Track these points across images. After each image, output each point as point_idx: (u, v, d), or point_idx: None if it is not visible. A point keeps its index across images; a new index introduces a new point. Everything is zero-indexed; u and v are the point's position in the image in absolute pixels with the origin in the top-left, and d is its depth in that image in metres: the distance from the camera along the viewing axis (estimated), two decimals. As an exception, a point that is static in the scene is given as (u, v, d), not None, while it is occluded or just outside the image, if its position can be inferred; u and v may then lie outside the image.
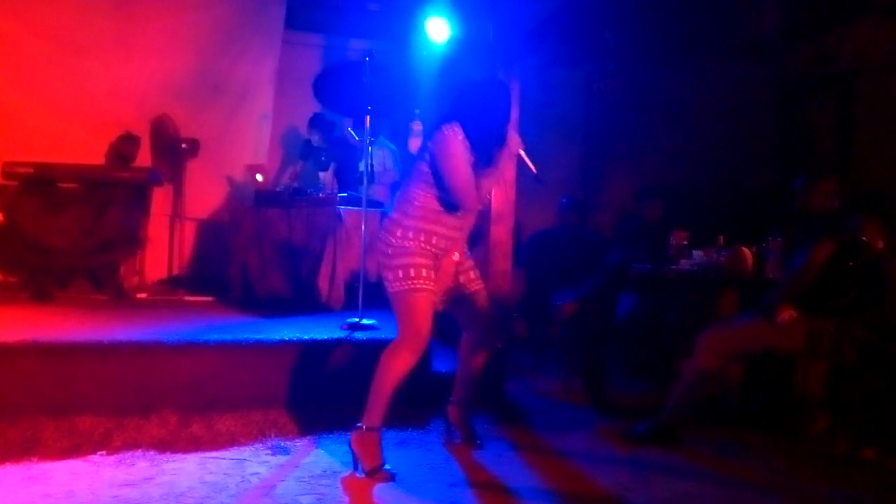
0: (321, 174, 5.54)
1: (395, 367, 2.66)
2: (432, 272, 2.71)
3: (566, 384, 4.09)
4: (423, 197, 2.72)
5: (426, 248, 2.70)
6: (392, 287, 2.70)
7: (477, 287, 2.94)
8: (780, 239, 3.70)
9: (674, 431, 3.21)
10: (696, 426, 3.31)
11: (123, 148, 5.17)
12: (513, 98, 3.74)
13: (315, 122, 5.60)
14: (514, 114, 3.69)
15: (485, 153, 2.73)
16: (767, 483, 2.78)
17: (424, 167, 2.73)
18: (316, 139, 5.60)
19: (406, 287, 2.66)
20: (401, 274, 2.67)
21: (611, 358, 4.28)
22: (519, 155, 2.83)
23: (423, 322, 2.66)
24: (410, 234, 2.70)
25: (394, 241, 2.71)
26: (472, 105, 2.74)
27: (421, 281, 2.66)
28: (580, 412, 3.75)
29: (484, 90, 2.79)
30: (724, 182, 5.68)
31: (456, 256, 2.85)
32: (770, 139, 5.99)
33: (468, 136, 2.68)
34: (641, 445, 3.16)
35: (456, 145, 2.65)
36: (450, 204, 2.72)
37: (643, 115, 5.89)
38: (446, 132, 2.66)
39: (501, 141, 2.77)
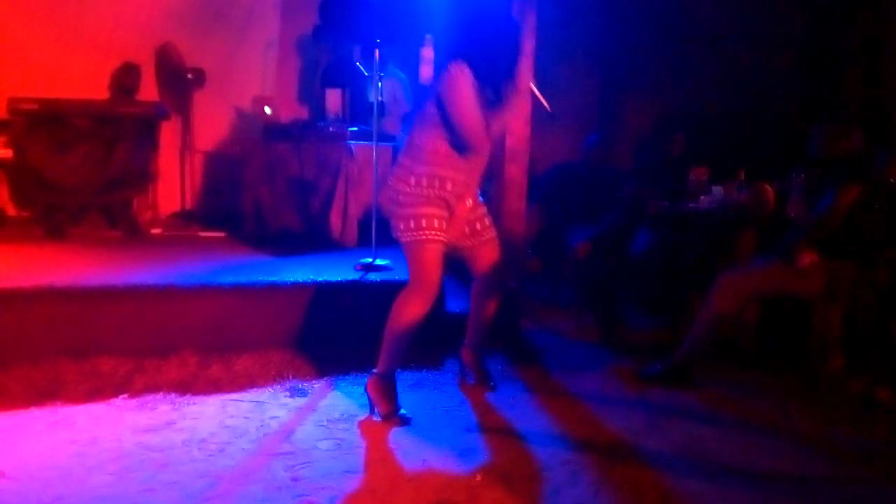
0: (329, 104, 5.40)
1: (406, 316, 2.65)
2: (444, 222, 2.66)
3: (580, 321, 4.10)
4: (433, 141, 2.62)
5: (440, 194, 2.63)
6: (403, 236, 2.65)
7: (489, 235, 2.89)
8: (802, 175, 3.59)
9: (688, 372, 3.22)
10: (709, 366, 3.32)
11: (124, 79, 5.05)
12: (528, 27, 3.61)
13: (321, 32, 5.42)
14: (529, 46, 3.55)
15: (494, 90, 2.61)
16: (781, 427, 2.80)
17: (432, 108, 2.62)
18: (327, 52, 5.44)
19: (417, 237, 2.61)
20: (412, 224, 2.62)
21: (625, 294, 4.27)
22: (531, 91, 2.72)
23: (434, 272, 2.63)
24: (424, 182, 2.62)
25: (407, 188, 2.63)
26: (478, 40, 2.60)
27: (432, 231, 2.61)
28: (594, 350, 3.77)
29: (490, 23, 2.64)
30: (747, 109, 5.49)
31: (469, 203, 2.79)
32: (796, 63, 5.74)
33: (476, 72, 2.56)
34: (655, 386, 3.18)
35: (463, 85, 2.53)
36: (459, 146, 2.62)
37: (664, 39, 5.64)
38: (452, 71, 2.54)
39: (511, 76, 2.64)
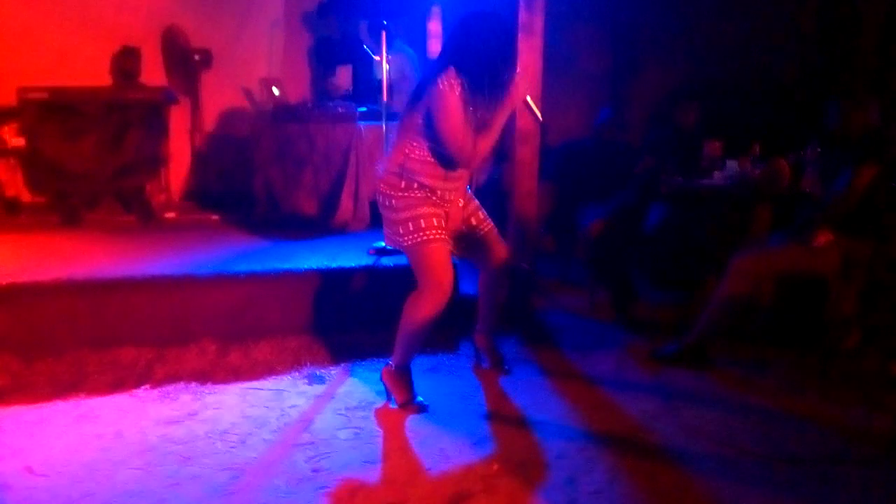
0: (337, 81, 5.35)
1: (419, 317, 2.62)
2: (443, 220, 2.62)
3: (593, 299, 4.10)
4: (418, 150, 2.58)
5: (431, 197, 2.60)
6: (404, 241, 2.60)
7: (487, 227, 2.85)
8: (818, 149, 3.54)
9: (702, 352, 3.23)
10: (724, 345, 3.32)
11: (124, 63, 5.02)
12: (536, 5, 3.53)
13: (327, 8, 5.35)
14: (539, 23, 3.48)
15: (485, 102, 2.52)
16: (796, 408, 2.81)
17: (418, 118, 2.56)
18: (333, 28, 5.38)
19: (419, 239, 2.57)
20: (411, 227, 2.57)
21: (639, 270, 4.27)
22: (525, 103, 2.65)
23: (443, 273, 2.58)
24: (415, 185, 2.58)
25: (398, 192, 2.59)
26: (471, 48, 2.49)
27: (433, 231, 2.57)
28: (607, 329, 3.78)
29: (484, 30, 2.50)
30: (761, 80, 5.38)
31: (461, 203, 2.77)
32: (811, 30, 5.60)
33: (466, 82, 2.46)
34: (670, 366, 3.20)
35: (451, 101, 2.45)
36: (444, 158, 2.56)
37: (675, 7, 5.51)
38: (441, 86, 2.45)
39: (503, 87, 2.54)
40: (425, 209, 2.58)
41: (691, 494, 2.19)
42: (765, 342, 3.43)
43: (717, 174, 3.87)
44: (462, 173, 2.69)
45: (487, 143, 2.57)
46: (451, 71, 2.47)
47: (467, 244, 2.85)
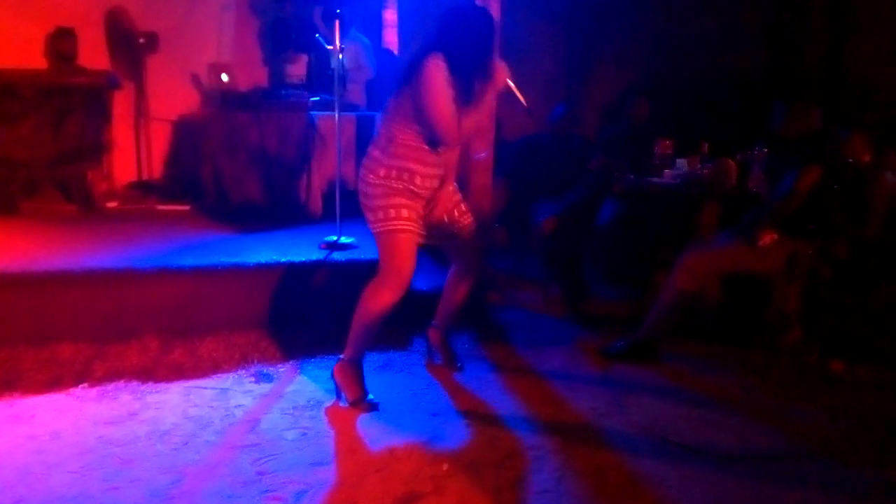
0: (290, 70, 5.24)
1: (376, 305, 2.64)
2: (414, 212, 2.65)
3: (546, 294, 4.13)
4: (404, 134, 2.60)
5: (409, 187, 2.62)
6: (374, 227, 2.65)
7: (466, 220, 2.87)
8: (765, 150, 3.62)
9: (651, 348, 3.28)
10: (672, 340, 3.37)
11: (61, 46, 4.83)
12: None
13: None
14: (494, 12, 3.46)
15: (468, 84, 2.57)
16: (742, 403, 2.87)
17: (405, 101, 2.57)
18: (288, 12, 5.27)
19: (388, 228, 2.61)
20: (381, 215, 2.61)
21: (591, 265, 4.31)
22: (508, 87, 2.66)
23: (405, 262, 2.63)
24: (394, 174, 2.60)
25: (376, 180, 2.62)
26: (456, 35, 2.56)
27: (402, 221, 2.60)
28: (560, 325, 3.81)
29: (467, 17, 2.60)
30: (711, 76, 5.48)
31: (451, 189, 2.80)
32: (760, 33, 5.72)
33: (452, 67, 2.52)
34: (619, 362, 3.24)
35: (439, 78, 2.49)
36: (431, 140, 2.60)
37: (631, 2, 5.56)
38: (430, 64, 2.49)
39: (485, 73, 2.60)
40: (398, 199, 2.61)
41: (639, 492, 2.21)
42: (711, 338, 3.50)
43: (667, 172, 3.93)
44: (445, 160, 2.71)
45: (471, 122, 2.61)
46: (439, 54, 2.51)
47: (445, 235, 2.85)
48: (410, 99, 2.56)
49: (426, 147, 2.62)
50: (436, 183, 2.72)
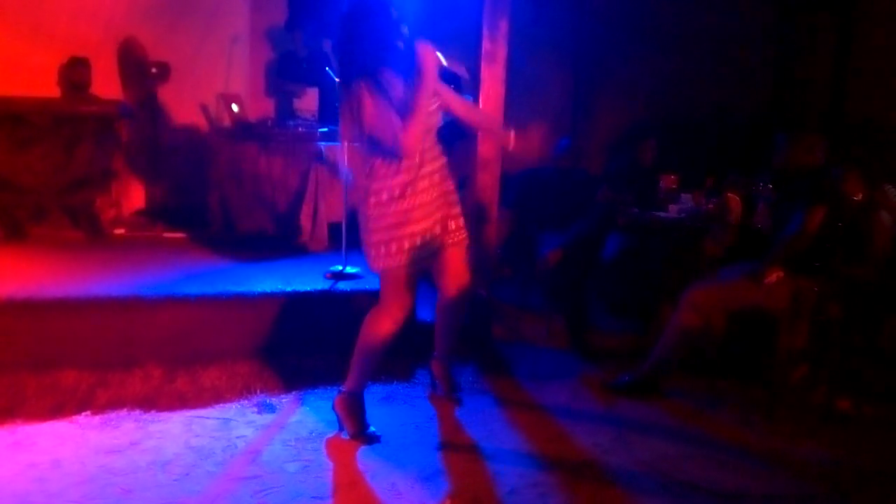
0: (299, 102, 5.31)
1: (377, 334, 2.65)
2: (416, 238, 2.63)
3: (550, 326, 4.11)
4: (370, 157, 2.61)
5: (404, 205, 2.59)
6: (374, 264, 2.66)
7: (460, 236, 2.84)
8: (770, 186, 3.63)
9: (655, 383, 3.26)
10: (676, 376, 3.35)
11: (73, 75, 4.90)
12: (500, 33, 3.57)
13: (295, 21, 5.32)
14: (501, 52, 3.51)
15: (405, 78, 2.53)
16: (746, 442, 2.84)
17: (357, 129, 2.61)
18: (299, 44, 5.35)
19: (387, 265, 2.62)
20: (383, 251, 2.62)
21: (596, 298, 4.30)
22: (442, 66, 2.61)
23: (405, 295, 2.66)
24: (384, 196, 2.59)
25: (368, 211, 2.62)
26: (352, 49, 2.56)
27: (401, 256, 2.61)
28: (563, 357, 3.78)
29: (348, 21, 2.59)
30: (716, 111, 5.53)
31: (436, 176, 2.72)
32: (765, 63, 5.80)
33: (373, 74, 2.52)
34: (623, 397, 3.21)
35: (365, 99, 2.50)
36: (391, 154, 2.57)
37: (636, 36, 5.63)
38: (354, 92, 2.52)
39: (398, 59, 2.56)
40: (394, 232, 2.60)
41: (642, 531, 2.19)
42: (716, 375, 3.47)
43: (672, 207, 3.94)
44: (433, 155, 2.70)
45: (415, 122, 2.50)
46: (357, 81, 2.52)
47: (437, 249, 2.76)
48: (358, 126, 2.57)
49: (392, 161, 2.58)
50: (436, 178, 2.69)
